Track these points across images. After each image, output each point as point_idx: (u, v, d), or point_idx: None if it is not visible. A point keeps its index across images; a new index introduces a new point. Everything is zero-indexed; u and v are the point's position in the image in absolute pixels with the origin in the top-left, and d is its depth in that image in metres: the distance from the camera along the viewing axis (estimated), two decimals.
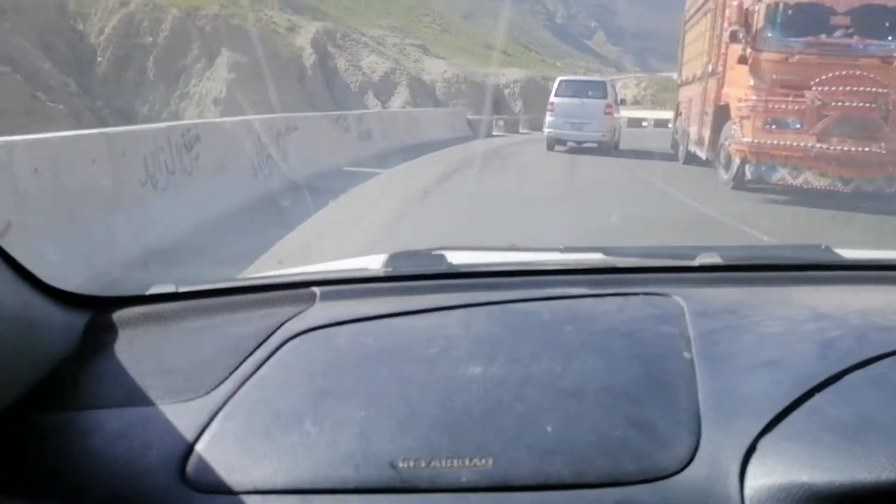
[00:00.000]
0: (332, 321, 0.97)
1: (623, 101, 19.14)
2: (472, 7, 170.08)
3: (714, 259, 1.15)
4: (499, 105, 37.95)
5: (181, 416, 0.80)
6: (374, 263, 1.20)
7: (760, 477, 0.68)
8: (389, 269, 1.14)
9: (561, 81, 15.36)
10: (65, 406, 0.83)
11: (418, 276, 1.14)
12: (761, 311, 1.00)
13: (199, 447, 0.76)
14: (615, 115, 15.08)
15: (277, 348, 0.91)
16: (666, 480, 0.69)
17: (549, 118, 14.68)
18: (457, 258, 1.19)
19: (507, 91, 38.69)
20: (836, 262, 1.23)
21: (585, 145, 14.67)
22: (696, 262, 1.15)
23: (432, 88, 36.17)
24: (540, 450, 0.73)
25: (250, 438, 0.78)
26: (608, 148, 14.53)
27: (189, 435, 0.78)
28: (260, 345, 0.91)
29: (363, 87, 34.09)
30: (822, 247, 1.27)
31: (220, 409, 0.81)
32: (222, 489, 0.73)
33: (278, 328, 0.95)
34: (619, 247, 1.29)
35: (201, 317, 1.02)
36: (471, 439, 0.75)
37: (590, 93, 14.79)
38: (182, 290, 1.06)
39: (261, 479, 0.73)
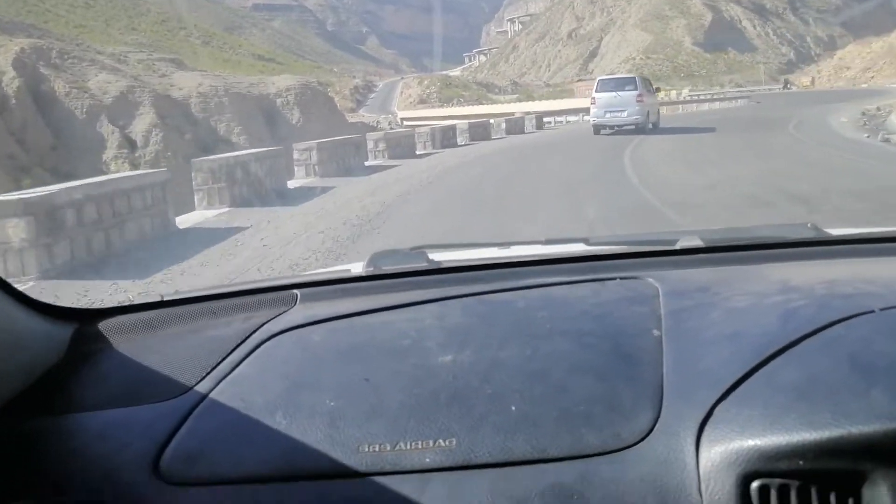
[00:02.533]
0: (310, 320, 0.98)
1: (657, 90, 22.97)
2: (238, 19, 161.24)
3: (694, 242, 1.18)
4: (272, 117, 32.74)
5: (159, 414, 0.83)
6: (357, 267, 1.23)
7: (715, 443, 0.69)
8: (370, 269, 1.16)
9: (599, 80, 19.53)
10: (47, 411, 0.86)
11: (399, 273, 1.14)
12: (733, 287, 1.01)
13: (173, 443, 0.79)
14: (646, 102, 18.46)
15: (255, 348, 0.92)
16: (626, 451, 0.71)
17: (592, 110, 18.74)
18: (438, 255, 1.23)
19: (279, 101, 33.48)
20: (819, 238, 1.24)
21: (625, 128, 18.24)
22: (677, 246, 1.18)
23: (185, 105, 29.91)
24: (504, 428, 0.75)
25: (224, 432, 0.80)
26: (643, 129, 17.97)
27: (164, 432, 0.80)
28: (238, 345, 0.93)
29: (93, 112, 27.07)
30: (808, 225, 1.27)
31: (196, 406, 0.83)
32: (195, 481, 0.76)
33: (257, 329, 0.97)
34: (602, 236, 1.37)
35: (185, 322, 1.04)
36: (436, 422, 0.77)
37: (625, 87, 18.31)
38: (167, 298, 1.09)
39: (232, 469, 0.76)
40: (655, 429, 0.72)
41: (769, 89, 51.95)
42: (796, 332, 0.80)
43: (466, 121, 23.63)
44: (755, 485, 0.66)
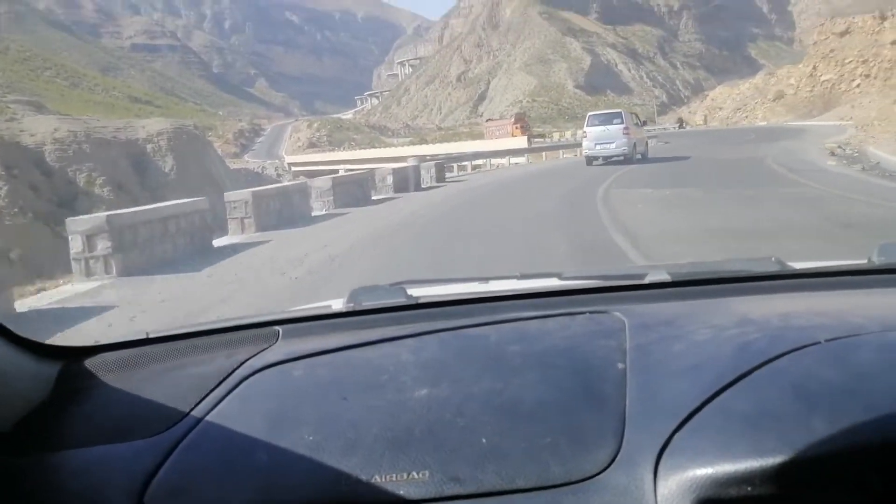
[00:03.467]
0: (292, 356, 1.00)
1: (644, 123, 24.51)
2: (114, 60, 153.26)
3: (662, 276, 1.22)
4: (141, 165, 30.01)
5: (142, 451, 0.84)
6: (337, 303, 1.27)
7: (671, 472, 0.72)
8: (351, 305, 1.20)
9: (590, 115, 21.02)
10: (33, 448, 0.87)
11: (379, 309, 1.17)
12: (697, 320, 1.03)
13: (157, 479, 0.80)
14: (632, 135, 19.95)
15: (238, 384, 0.94)
16: (589, 481, 0.74)
17: (585, 143, 20.46)
18: (417, 291, 1.26)
19: (150, 146, 30.79)
20: (784, 272, 1.28)
21: (614, 158, 19.73)
22: (646, 281, 1.22)
23: (38, 154, 26.76)
24: (475, 461, 0.77)
25: (207, 468, 0.82)
26: (630, 160, 19.70)
27: (149, 468, 0.81)
28: (221, 382, 0.94)
29: None
30: (773, 259, 1.32)
31: (179, 442, 0.85)
32: None
33: (239, 366, 0.98)
34: (575, 270, 1.37)
35: (169, 359, 1.05)
36: (411, 455, 0.79)
37: (613, 121, 19.86)
38: (152, 335, 1.11)
39: None
40: (617, 459, 0.75)
41: (664, 128, 53.96)
42: (748, 363, 0.83)
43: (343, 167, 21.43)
44: None
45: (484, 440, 0.79)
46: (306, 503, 0.76)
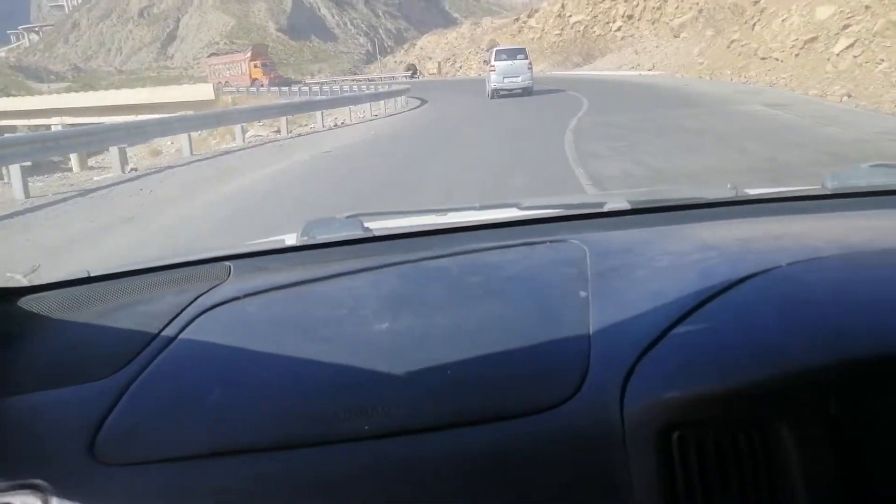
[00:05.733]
0: (244, 293, 0.97)
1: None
2: None
3: (621, 204, 1.23)
4: None
5: (92, 395, 0.81)
6: (291, 237, 1.24)
7: (636, 399, 0.73)
8: (304, 239, 1.18)
9: (496, 50, 22.87)
10: None
11: (333, 243, 1.15)
12: (657, 247, 1.04)
13: (108, 423, 0.78)
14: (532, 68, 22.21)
15: (189, 323, 0.91)
16: (554, 410, 0.73)
17: (492, 76, 21.34)
18: (373, 223, 1.23)
19: None
20: (740, 198, 1.30)
21: (515, 91, 21.01)
22: (605, 209, 1.23)
23: None
24: (432, 395, 0.77)
25: (159, 410, 0.80)
26: (530, 92, 20.97)
27: (98, 412, 0.79)
28: (171, 321, 0.91)
29: None
30: (729, 186, 1.32)
31: (130, 385, 0.82)
32: (130, 460, 0.76)
33: (189, 304, 0.95)
34: (535, 199, 1.34)
35: (114, 299, 1.01)
36: (372, 390, 0.78)
37: (517, 56, 21.79)
38: (95, 274, 1.06)
39: (169, 447, 0.76)
40: (582, 388, 0.74)
41: (392, 77, 46.66)
42: (710, 289, 0.82)
43: None
44: (675, 436, 0.70)
45: (448, 372, 0.77)
46: (264, 443, 0.74)
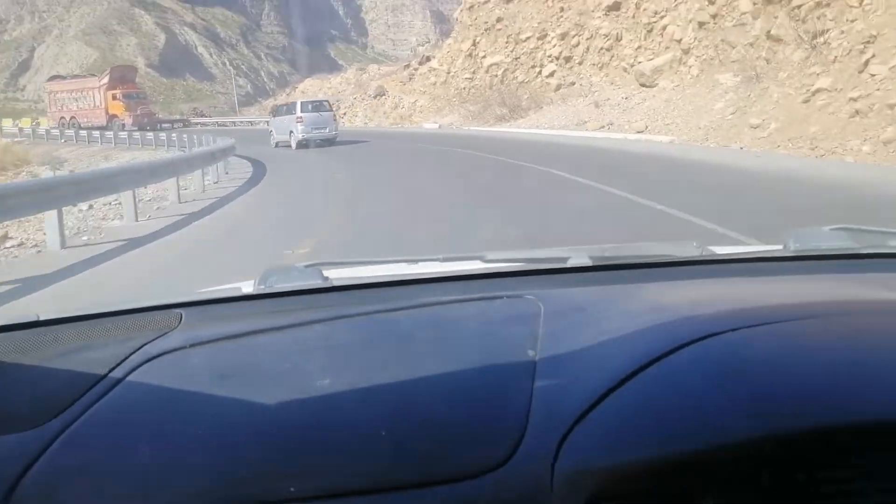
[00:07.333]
0: (191, 342, 0.94)
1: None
2: None
3: (583, 260, 1.22)
4: None
5: (15, 447, 0.76)
6: (248, 285, 1.20)
7: (567, 467, 0.71)
8: (261, 287, 1.15)
9: (300, 102, 23.61)
10: None
11: (290, 292, 1.12)
12: (611, 307, 1.03)
13: (28, 478, 0.73)
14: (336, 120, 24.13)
15: (129, 372, 0.87)
16: (487, 475, 0.72)
17: (300, 127, 22.15)
18: (333, 273, 1.21)
19: None
20: (703, 258, 1.30)
21: (319, 141, 22.18)
22: (567, 264, 1.21)
23: None
24: (364, 458, 0.75)
25: (84, 465, 0.76)
26: (334, 142, 22.45)
27: (20, 465, 0.74)
28: (112, 369, 0.87)
29: None
30: (694, 244, 1.32)
31: (56, 439, 0.77)
32: None
33: (133, 353, 0.91)
34: (499, 252, 1.32)
35: (58, 345, 0.97)
36: (306, 450, 0.76)
37: (322, 108, 23.57)
38: (43, 318, 1.03)
39: None
40: (517, 453, 0.73)
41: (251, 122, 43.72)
42: (650, 354, 0.81)
43: None
44: None
45: (383, 433, 0.76)
46: None
